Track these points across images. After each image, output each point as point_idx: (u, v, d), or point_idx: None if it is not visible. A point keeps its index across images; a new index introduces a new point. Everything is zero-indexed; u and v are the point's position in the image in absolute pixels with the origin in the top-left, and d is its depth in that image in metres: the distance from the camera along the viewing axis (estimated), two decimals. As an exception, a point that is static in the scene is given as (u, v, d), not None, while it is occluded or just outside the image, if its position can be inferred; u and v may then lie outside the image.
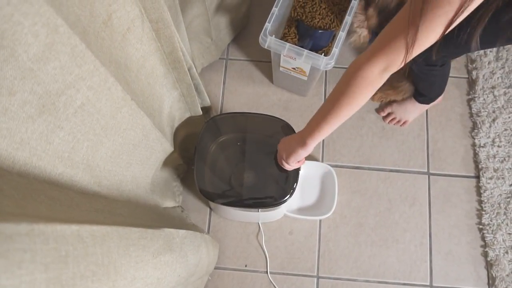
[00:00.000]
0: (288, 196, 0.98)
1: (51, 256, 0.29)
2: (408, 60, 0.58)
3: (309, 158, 1.26)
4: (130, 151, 0.70)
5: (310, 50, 1.01)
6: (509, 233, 1.16)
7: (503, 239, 1.15)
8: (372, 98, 1.30)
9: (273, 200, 1.11)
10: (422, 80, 1.12)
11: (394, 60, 0.58)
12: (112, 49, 0.55)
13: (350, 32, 1.17)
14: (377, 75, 0.61)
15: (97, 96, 0.50)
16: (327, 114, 0.69)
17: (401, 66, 0.60)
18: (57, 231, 0.31)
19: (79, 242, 0.34)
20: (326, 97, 1.31)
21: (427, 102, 1.20)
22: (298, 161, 0.87)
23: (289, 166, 0.89)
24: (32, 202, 0.39)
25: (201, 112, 1.03)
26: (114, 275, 0.40)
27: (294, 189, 0.97)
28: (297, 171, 1.00)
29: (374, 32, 1.15)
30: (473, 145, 1.25)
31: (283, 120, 1.02)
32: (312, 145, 0.78)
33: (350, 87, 0.63)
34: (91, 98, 0.49)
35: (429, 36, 0.54)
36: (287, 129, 1.02)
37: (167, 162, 0.97)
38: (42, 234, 0.29)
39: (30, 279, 0.26)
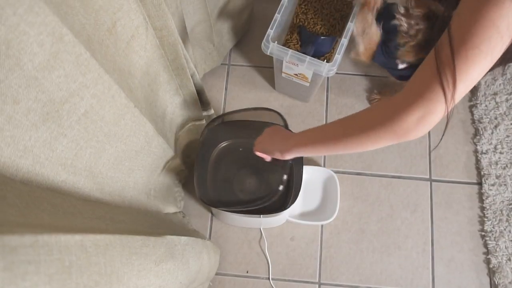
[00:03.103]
0: (290, 202, 0.97)
1: (55, 267, 0.29)
2: (452, 105, 0.48)
3: (311, 163, 1.26)
4: (133, 157, 0.70)
5: (312, 56, 1.01)
6: (512, 240, 1.16)
7: (505, 246, 1.15)
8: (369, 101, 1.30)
9: (275, 206, 1.10)
10: None
11: (434, 109, 0.48)
12: (116, 56, 0.55)
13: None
14: (413, 124, 0.50)
15: (100, 104, 0.50)
16: (332, 140, 0.61)
17: (445, 113, 0.49)
18: (61, 241, 0.31)
19: (82, 252, 0.34)
20: (328, 104, 1.31)
21: None
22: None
23: (259, 153, 0.80)
24: (35, 210, 0.39)
25: (203, 118, 1.03)
26: (117, 284, 0.40)
27: (296, 195, 0.97)
28: (300, 177, 1.00)
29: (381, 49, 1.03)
30: (475, 151, 1.25)
31: (285, 127, 1.02)
32: (292, 156, 0.70)
33: (373, 130, 0.54)
34: (95, 105, 0.49)
35: (473, 73, 0.45)
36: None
37: (169, 168, 0.97)
38: (46, 245, 0.29)
39: (34, 291, 0.26)
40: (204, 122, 1.05)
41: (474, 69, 0.45)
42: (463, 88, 0.46)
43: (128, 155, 0.67)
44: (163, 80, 0.75)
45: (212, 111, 1.08)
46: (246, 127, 1.09)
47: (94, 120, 0.51)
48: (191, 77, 0.82)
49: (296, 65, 1.05)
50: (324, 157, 1.26)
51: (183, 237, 0.70)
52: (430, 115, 0.48)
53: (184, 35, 0.88)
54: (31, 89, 0.38)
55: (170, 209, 1.04)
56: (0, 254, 0.24)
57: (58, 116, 0.44)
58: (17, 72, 0.36)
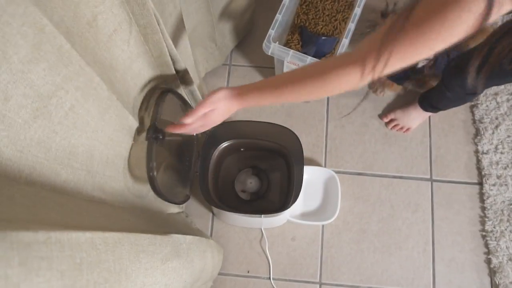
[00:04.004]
0: (291, 202, 0.98)
1: (67, 264, 0.29)
2: (376, 76, 0.53)
3: (312, 163, 1.26)
4: (123, 156, 0.69)
5: (313, 56, 1.02)
6: (512, 240, 1.16)
7: (506, 246, 1.15)
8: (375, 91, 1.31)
9: (276, 206, 1.11)
10: (451, 101, 1.09)
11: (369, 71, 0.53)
12: (97, 49, 0.54)
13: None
14: (359, 78, 0.56)
15: (84, 97, 0.50)
16: (295, 82, 0.63)
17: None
18: (72, 238, 0.31)
19: (92, 249, 0.34)
20: (329, 104, 1.32)
21: (435, 112, 1.19)
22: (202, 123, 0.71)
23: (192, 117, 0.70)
24: (43, 209, 0.39)
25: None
26: (126, 281, 0.40)
27: (297, 196, 0.97)
28: (300, 177, 1.00)
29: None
30: (476, 151, 1.25)
31: (286, 128, 1.02)
32: (241, 104, 0.68)
33: (333, 79, 0.58)
34: (80, 99, 0.49)
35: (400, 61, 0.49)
36: (289, 133, 1.02)
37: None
38: (58, 242, 0.29)
39: (47, 287, 0.26)
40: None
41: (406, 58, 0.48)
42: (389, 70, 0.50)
43: (117, 151, 0.66)
44: (148, 75, 0.74)
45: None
46: (247, 127, 1.10)
47: (81, 114, 0.50)
48: (182, 76, 0.81)
49: (297, 66, 1.05)
50: (325, 157, 1.27)
51: (188, 236, 0.70)
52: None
53: (182, 34, 0.87)
54: (19, 84, 0.37)
55: (173, 209, 1.04)
56: (16, 249, 0.24)
57: (47, 111, 0.43)
58: (4, 66, 0.35)
